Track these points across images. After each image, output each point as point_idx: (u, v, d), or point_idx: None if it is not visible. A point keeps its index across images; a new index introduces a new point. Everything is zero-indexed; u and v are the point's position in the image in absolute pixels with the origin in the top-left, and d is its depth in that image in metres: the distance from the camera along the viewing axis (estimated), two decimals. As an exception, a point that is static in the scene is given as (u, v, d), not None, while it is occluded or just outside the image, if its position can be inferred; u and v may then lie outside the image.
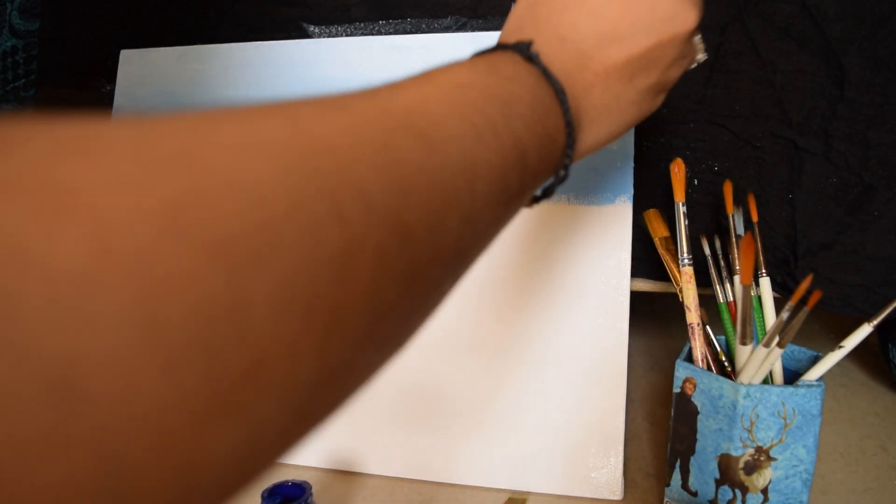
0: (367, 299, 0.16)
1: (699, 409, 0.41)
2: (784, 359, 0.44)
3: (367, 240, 0.15)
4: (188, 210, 0.12)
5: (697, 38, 0.32)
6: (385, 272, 0.16)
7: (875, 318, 0.39)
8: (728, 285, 0.46)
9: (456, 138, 0.20)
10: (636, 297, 0.49)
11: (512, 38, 0.29)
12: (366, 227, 0.15)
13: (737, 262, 0.44)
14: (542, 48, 0.27)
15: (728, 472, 0.40)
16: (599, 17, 0.28)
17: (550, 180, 0.27)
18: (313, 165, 0.15)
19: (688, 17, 0.29)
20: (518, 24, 0.29)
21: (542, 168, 0.25)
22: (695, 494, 0.42)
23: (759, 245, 0.44)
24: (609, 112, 0.29)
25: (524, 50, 0.26)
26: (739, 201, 0.46)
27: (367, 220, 0.15)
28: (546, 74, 0.26)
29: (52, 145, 0.12)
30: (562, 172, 0.27)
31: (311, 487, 0.41)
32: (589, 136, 0.29)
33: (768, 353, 0.38)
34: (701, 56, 0.33)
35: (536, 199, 0.28)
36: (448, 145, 0.19)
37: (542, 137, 0.24)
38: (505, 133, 0.22)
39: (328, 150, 0.16)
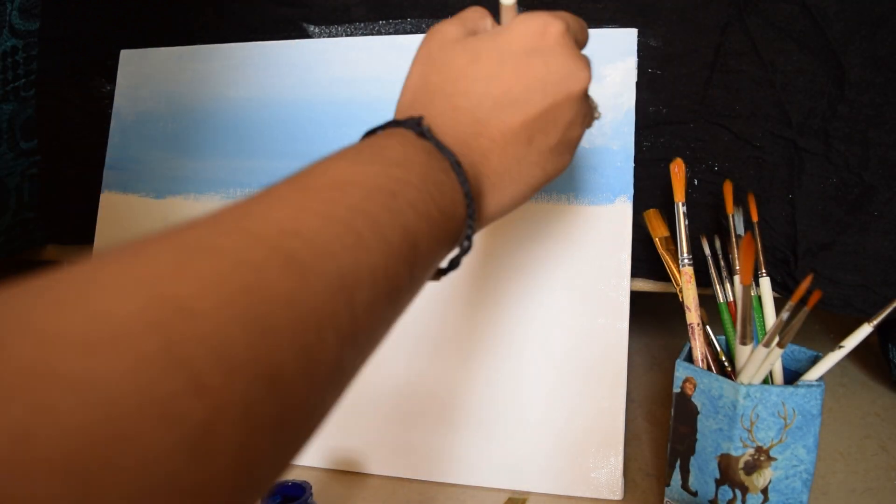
0: (233, 457, 0.15)
1: (699, 409, 0.41)
2: (784, 359, 0.44)
3: (230, 400, 0.15)
4: (36, 430, 0.12)
5: (592, 97, 0.32)
6: (252, 426, 0.15)
7: (875, 318, 0.39)
8: (728, 285, 0.46)
9: (333, 254, 0.19)
10: (636, 297, 0.49)
11: (405, 113, 0.29)
12: (228, 388, 0.15)
13: (737, 262, 0.44)
14: (436, 119, 0.27)
15: (728, 472, 0.40)
16: (493, 82, 0.28)
17: (456, 251, 0.27)
18: (170, 339, 0.14)
19: (581, 77, 0.29)
20: (412, 96, 0.29)
21: (440, 248, 0.25)
22: (695, 494, 0.42)
23: (759, 245, 0.44)
24: (511, 176, 0.29)
25: (415, 126, 0.26)
26: (739, 201, 0.46)
27: (230, 379, 0.15)
28: (439, 148, 0.26)
29: None
30: (465, 244, 0.27)
31: (311, 487, 0.41)
32: (492, 202, 0.29)
33: (768, 353, 0.38)
34: (598, 114, 0.34)
35: (443, 272, 0.28)
36: (324, 263, 0.19)
37: (437, 218, 0.24)
38: (390, 228, 0.21)
39: (188, 316, 0.15)
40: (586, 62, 0.29)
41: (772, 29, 0.48)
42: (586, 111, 0.31)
